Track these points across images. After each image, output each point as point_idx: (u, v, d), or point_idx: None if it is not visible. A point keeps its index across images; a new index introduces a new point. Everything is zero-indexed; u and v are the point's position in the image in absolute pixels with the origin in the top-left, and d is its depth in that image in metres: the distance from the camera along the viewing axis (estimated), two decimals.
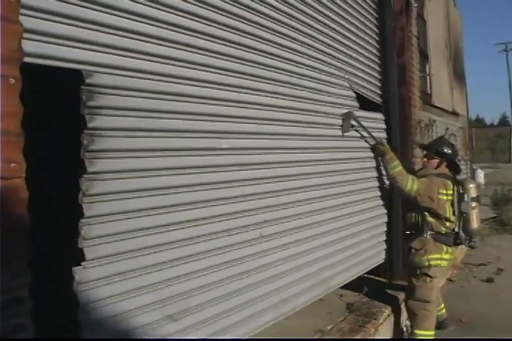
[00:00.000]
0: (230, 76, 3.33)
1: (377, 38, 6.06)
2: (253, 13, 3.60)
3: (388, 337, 5.26)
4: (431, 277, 5.14)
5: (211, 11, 3.16)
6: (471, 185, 5.39)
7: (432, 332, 5.16)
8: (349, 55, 5.25)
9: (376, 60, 6.03)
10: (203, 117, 3.06)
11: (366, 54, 5.71)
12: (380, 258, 5.85)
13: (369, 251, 5.50)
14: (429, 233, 5.26)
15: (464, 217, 5.33)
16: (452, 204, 5.32)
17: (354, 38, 5.38)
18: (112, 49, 2.47)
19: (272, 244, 3.72)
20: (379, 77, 6.08)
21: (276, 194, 3.78)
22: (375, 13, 5.99)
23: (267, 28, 3.79)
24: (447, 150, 5.52)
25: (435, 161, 5.53)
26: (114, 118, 2.45)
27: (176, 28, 2.89)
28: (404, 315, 5.77)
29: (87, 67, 2.33)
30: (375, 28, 6.00)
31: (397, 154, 5.52)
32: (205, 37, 3.10)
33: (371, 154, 5.53)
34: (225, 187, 3.23)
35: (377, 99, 6.02)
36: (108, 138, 2.40)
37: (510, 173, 23.70)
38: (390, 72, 6.14)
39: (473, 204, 5.32)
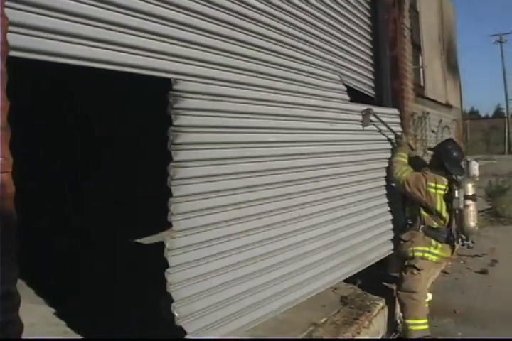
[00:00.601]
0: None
1: (369, 30, 6.06)
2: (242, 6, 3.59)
3: (382, 329, 5.27)
4: (418, 269, 5.22)
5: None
6: (469, 184, 5.32)
7: (424, 321, 5.21)
8: (341, 47, 5.23)
9: (369, 52, 6.03)
10: (255, 116, 3.69)
11: (358, 46, 5.70)
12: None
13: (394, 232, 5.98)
14: (420, 227, 5.36)
15: (457, 215, 5.30)
16: (446, 200, 5.33)
17: (346, 31, 5.36)
18: (193, 60, 3.10)
19: (309, 222, 4.30)
20: (372, 69, 6.08)
21: (313, 180, 4.39)
22: (367, 5, 5.98)
23: (259, 21, 3.77)
24: (445, 162, 5.41)
25: (435, 165, 5.55)
26: (192, 117, 3.03)
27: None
28: (398, 307, 5.79)
29: (178, 76, 2.96)
30: (367, 20, 5.99)
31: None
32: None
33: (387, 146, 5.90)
34: (272, 174, 3.85)
35: (370, 92, 6.01)
36: (187, 133, 2.99)
37: (504, 165, 23.78)
38: (383, 64, 6.16)
39: (469, 202, 5.26)
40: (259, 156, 3.70)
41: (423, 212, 5.40)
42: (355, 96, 5.41)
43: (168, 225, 2.89)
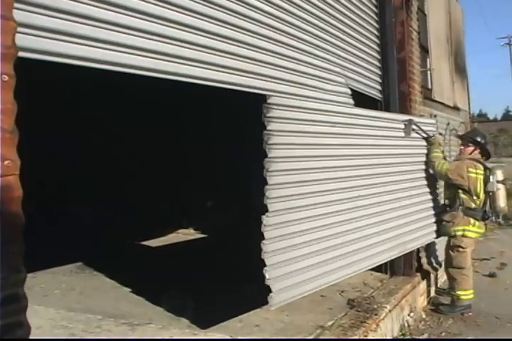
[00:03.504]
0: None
1: (377, 33, 6.06)
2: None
3: (389, 332, 5.25)
4: (463, 247, 6.17)
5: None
6: (499, 170, 6.35)
7: (471, 291, 6.26)
8: (348, 50, 5.22)
9: (376, 55, 6.02)
10: (326, 124, 4.47)
11: (366, 49, 5.69)
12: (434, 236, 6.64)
13: (432, 226, 6.52)
14: (460, 208, 6.23)
15: (490, 196, 6.25)
16: (482, 183, 6.20)
17: (353, 33, 5.35)
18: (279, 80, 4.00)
19: (364, 212, 4.98)
20: (379, 72, 6.07)
21: (366, 177, 5.07)
22: (374, 8, 5.97)
23: (264, 24, 3.79)
24: (480, 139, 6.49)
25: (470, 149, 6.48)
26: (280, 124, 3.83)
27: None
28: (405, 310, 5.78)
29: (268, 92, 3.81)
30: (374, 23, 5.99)
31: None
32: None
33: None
34: (342, 171, 4.69)
35: (377, 95, 6.01)
36: (277, 136, 3.78)
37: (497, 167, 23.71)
38: (390, 67, 6.15)
39: (499, 185, 6.25)
40: (326, 156, 4.50)
41: (462, 195, 6.24)
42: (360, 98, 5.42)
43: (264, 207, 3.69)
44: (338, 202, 4.59)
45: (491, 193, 6.25)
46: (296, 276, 3.98)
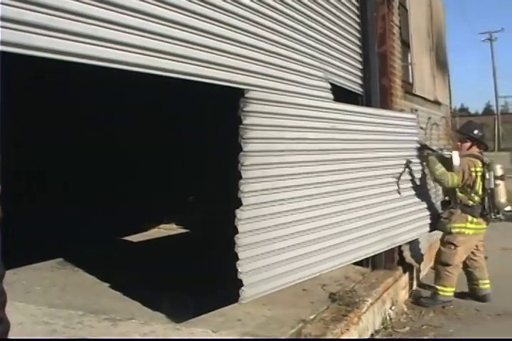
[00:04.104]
0: None
1: (358, 27, 6.06)
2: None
3: (371, 325, 5.29)
4: (455, 245, 6.21)
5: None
6: (497, 166, 6.33)
7: (451, 289, 6.31)
8: (328, 44, 5.22)
9: (357, 49, 6.03)
10: (302, 118, 4.47)
11: (346, 43, 5.70)
12: (426, 229, 6.78)
13: (421, 220, 6.62)
14: (458, 206, 6.31)
15: (489, 193, 6.25)
16: (481, 180, 6.27)
17: (333, 27, 5.35)
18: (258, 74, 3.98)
19: (346, 207, 5.01)
20: (360, 66, 6.08)
21: (347, 171, 5.10)
22: (356, 2, 5.98)
23: (243, 17, 3.77)
24: (477, 133, 6.60)
25: (467, 144, 6.58)
26: (256, 118, 3.83)
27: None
28: (387, 303, 5.82)
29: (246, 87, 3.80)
30: (355, 17, 5.99)
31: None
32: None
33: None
34: (319, 165, 4.69)
35: (358, 90, 6.02)
36: (253, 130, 3.77)
37: (495, 161, 23.87)
38: (371, 61, 6.17)
39: (498, 181, 6.25)
40: (305, 150, 4.52)
41: (459, 193, 6.33)
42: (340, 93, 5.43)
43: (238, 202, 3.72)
44: (316, 197, 4.61)
45: (489, 190, 6.28)
46: (270, 270, 4.02)
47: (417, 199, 6.53)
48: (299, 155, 4.40)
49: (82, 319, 4.81)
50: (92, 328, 4.59)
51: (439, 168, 6.26)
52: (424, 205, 6.69)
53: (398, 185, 6.09)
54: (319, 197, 4.63)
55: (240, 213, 3.70)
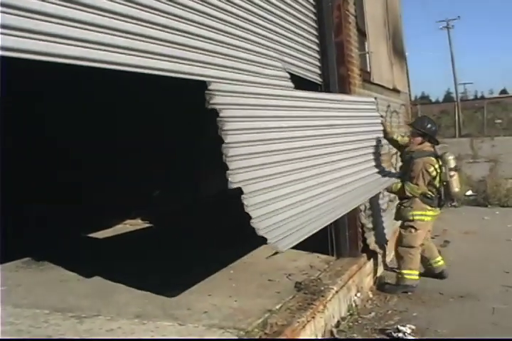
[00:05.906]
0: None
1: (314, 17, 6.07)
2: None
3: (337, 313, 5.35)
4: (415, 229, 6.50)
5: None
6: (450, 157, 6.60)
7: (416, 272, 6.54)
8: (285, 35, 5.20)
9: (314, 39, 6.04)
10: (268, 107, 4.50)
11: (303, 34, 5.70)
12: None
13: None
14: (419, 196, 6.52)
15: (445, 185, 6.59)
16: (439, 174, 6.53)
17: (289, 18, 5.34)
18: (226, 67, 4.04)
19: (323, 179, 5.10)
20: (318, 56, 6.10)
21: (315, 148, 5.13)
22: None
23: (194, 9, 3.73)
24: (429, 127, 6.72)
25: (418, 139, 6.72)
26: (230, 110, 3.82)
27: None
28: (352, 290, 5.89)
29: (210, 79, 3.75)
30: (311, 8, 6.00)
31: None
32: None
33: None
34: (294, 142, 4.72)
35: (317, 79, 6.05)
36: (230, 122, 3.76)
37: (455, 148, 24.03)
38: (329, 51, 6.19)
39: (452, 173, 6.56)
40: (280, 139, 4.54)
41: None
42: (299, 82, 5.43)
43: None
44: (301, 171, 4.74)
45: (445, 183, 6.59)
46: (285, 225, 4.11)
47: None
48: (271, 145, 4.41)
49: (47, 318, 4.79)
50: (58, 326, 4.57)
51: (397, 184, 6.61)
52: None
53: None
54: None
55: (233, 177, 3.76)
